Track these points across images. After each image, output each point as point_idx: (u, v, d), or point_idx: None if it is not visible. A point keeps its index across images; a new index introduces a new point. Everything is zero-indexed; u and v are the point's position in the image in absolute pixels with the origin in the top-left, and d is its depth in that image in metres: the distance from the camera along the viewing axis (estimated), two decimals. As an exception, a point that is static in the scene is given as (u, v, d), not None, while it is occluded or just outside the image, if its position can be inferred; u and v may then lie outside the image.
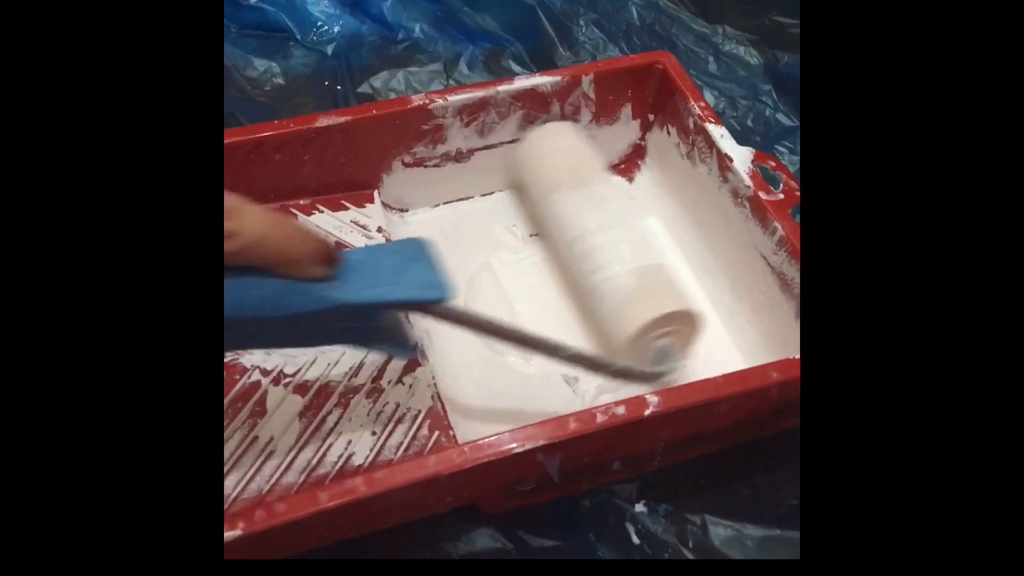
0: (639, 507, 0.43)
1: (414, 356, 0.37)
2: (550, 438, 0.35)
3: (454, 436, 0.41)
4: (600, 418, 0.36)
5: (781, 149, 0.60)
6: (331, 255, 0.32)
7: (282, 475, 0.40)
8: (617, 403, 0.36)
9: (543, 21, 0.67)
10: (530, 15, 0.67)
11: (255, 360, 0.44)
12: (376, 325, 0.36)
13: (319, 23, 0.67)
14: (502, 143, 0.54)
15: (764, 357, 0.46)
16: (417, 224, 0.54)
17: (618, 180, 0.57)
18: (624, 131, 0.56)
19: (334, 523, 0.36)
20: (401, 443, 0.41)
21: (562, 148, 0.52)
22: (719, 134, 0.50)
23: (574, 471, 0.40)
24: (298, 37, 0.67)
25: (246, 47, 0.65)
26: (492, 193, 0.56)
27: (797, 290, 0.44)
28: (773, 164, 0.48)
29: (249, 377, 0.44)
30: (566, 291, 0.50)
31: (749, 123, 0.62)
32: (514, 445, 0.35)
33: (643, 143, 0.57)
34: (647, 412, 0.36)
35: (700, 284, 0.51)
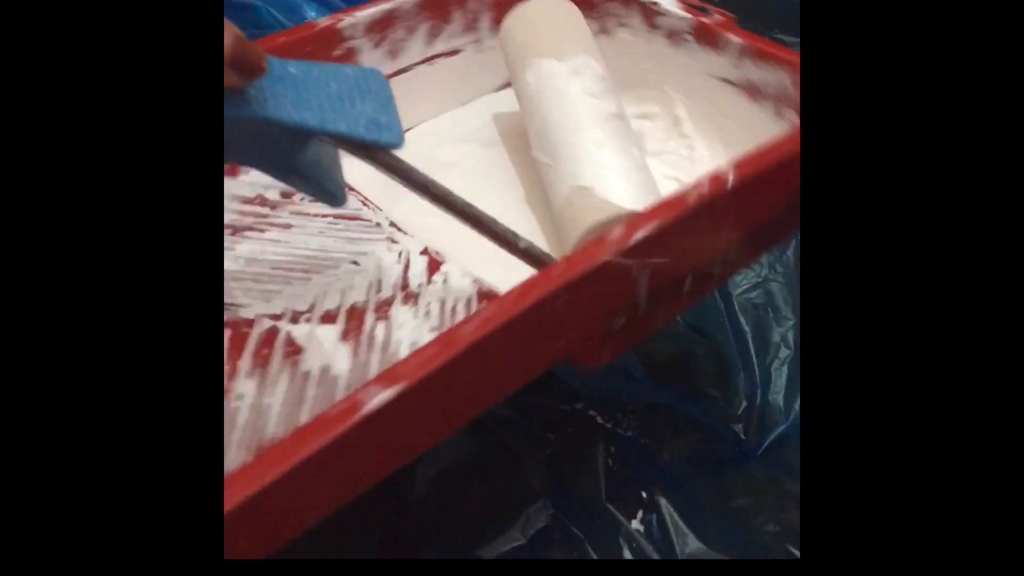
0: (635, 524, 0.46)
1: (341, 205, 0.32)
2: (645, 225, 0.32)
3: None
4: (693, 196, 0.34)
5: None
6: (249, 60, 0.26)
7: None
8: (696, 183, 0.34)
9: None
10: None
11: (257, 310, 0.38)
12: (305, 158, 0.30)
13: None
14: (413, 64, 0.51)
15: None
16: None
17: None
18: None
19: (445, 386, 0.31)
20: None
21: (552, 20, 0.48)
22: (634, -11, 0.50)
23: (657, 294, 0.37)
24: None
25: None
26: (409, 129, 0.52)
27: (770, 90, 0.45)
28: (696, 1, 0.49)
29: (260, 326, 0.37)
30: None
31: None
32: (606, 254, 0.32)
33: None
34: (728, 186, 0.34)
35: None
